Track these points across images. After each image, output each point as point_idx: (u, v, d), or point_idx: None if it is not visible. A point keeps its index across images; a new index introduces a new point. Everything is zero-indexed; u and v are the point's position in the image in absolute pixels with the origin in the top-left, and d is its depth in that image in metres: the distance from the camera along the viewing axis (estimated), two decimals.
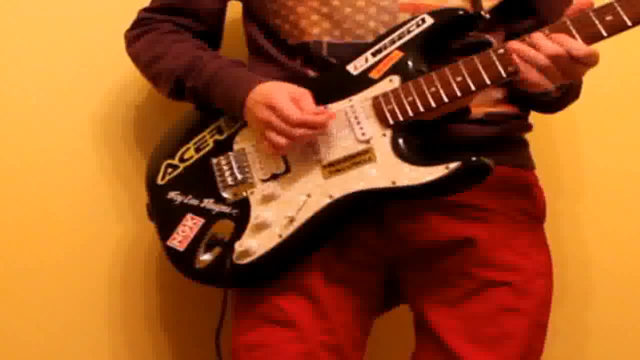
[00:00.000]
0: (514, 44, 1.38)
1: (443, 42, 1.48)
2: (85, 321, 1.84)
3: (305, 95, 1.46)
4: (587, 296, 1.98)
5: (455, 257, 1.51)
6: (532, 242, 1.56)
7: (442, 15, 1.46)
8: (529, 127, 1.61)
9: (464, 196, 1.46)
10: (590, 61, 1.36)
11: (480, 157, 1.39)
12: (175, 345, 1.90)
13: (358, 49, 1.49)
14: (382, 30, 1.49)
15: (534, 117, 1.63)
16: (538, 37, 1.37)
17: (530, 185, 1.59)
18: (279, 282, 1.51)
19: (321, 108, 1.46)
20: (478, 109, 1.49)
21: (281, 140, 1.44)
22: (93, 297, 1.84)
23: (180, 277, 1.57)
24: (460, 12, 1.45)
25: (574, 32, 1.35)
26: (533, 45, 1.36)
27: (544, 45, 1.36)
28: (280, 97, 1.44)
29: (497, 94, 1.54)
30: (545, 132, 1.79)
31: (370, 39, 1.49)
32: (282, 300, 1.52)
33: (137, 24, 1.69)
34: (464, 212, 1.51)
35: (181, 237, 1.55)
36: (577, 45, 1.34)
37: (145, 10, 1.70)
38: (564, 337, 1.94)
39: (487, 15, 1.46)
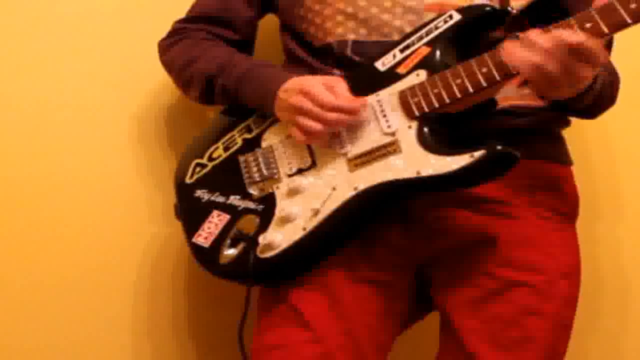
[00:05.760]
0: (508, 44, 1.33)
1: (471, 38, 1.48)
2: (111, 322, 1.84)
3: (339, 82, 1.47)
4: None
5: (478, 256, 1.50)
6: (558, 242, 1.52)
7: (469, 12, 1.47)
8: (562, 121, 1.58)
9: (488, 191, 1.46)
10: (590, 55, 1.29)
11: (505, 145, 1.38)
12: (201, 347, 1.88)
13: (384, 47, 1.50)
14: (408, 29, 1.50)
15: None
16: (533, 33, 1.32)
17: (560, 180, 1.56)
18: (300, 281, 1.50)
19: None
20: (505, 102, 1.48)
21: (314, 124, 1.44)
22: (120, 298, 1.84)
23: (209, 279, 1.57)
24: (487, 9, 1.46)
25: (598, 19, 1.30)
26: (527, 43, 1.31)
27: (538, 41, 1.30)
28: (314, 83, 1.46)
29: (526, 88, 1.52)
30: (579, 132, 1.76)
31: (395, 37, 1.51)
32: (301, 300, 1.50)
33: (171, 34, 1.72)
34: (489, 207, 1.49)
35: (206, 234, 1.55)
36: (571, 34, 1.28)
37: (179, 21, 1.73)
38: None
39: (514, 11, 1.47)
